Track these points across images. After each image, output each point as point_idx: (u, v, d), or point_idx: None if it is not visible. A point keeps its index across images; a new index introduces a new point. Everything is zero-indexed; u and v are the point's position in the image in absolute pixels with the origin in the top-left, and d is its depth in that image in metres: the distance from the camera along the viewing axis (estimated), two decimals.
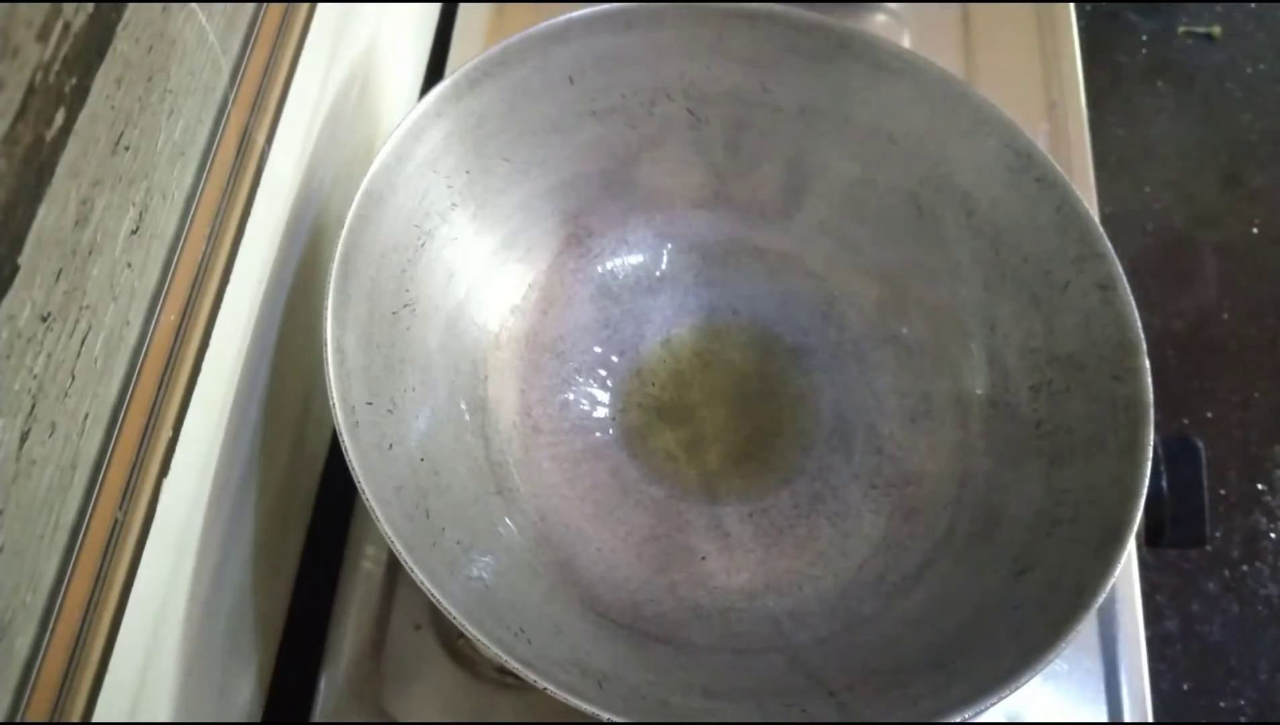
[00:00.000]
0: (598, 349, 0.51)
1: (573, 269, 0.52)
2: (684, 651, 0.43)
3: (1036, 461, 0.45)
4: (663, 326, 0.51)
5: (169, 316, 0.34)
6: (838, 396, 0.51)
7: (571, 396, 0.50)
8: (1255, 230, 0.82)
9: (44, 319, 0.28)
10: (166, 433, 0.35)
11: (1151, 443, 0.41)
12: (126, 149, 0.31)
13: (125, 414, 0.32)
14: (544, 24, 0.47)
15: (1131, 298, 0.44)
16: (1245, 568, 0.64)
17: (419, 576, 0.35)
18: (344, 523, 0.50)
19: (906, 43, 0.65)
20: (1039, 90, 0.64)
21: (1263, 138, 0.85)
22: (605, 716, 0.34)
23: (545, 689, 0.34)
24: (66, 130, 0.28)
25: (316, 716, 0.46)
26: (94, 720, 0.31)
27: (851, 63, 0.49)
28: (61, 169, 0.28)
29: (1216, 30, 0.89)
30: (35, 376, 0.27)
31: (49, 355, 0.28)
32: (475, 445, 0.46)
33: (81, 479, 0.30)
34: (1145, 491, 0.40)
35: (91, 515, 0.31)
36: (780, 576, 0.46)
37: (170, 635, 0.37)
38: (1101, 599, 0.38)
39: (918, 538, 0.46)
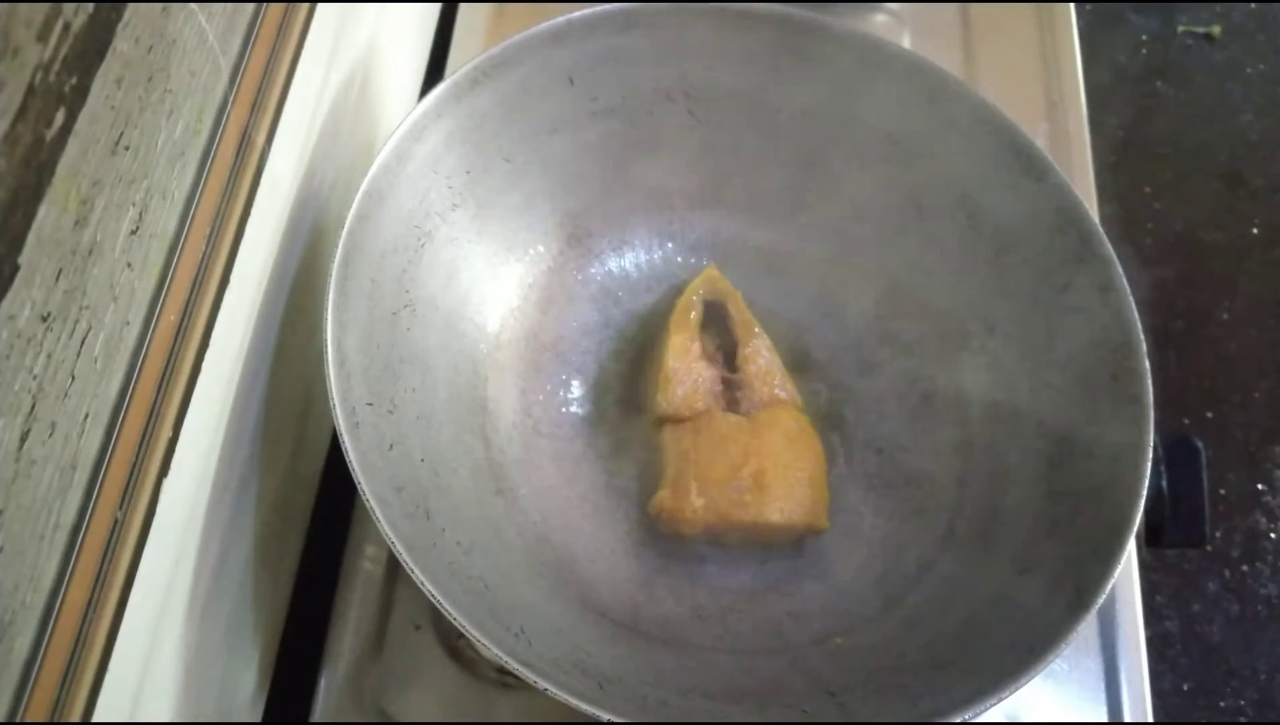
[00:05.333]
0: (598, 349, 0.51)
1: (573, 269, 0.52)
2: (684, 652, 0.43)
3: (1036, 461, 0.45)
4: (663, 327, 0.51)
5: (169, 316, 0.34)
6: (838, 397, 0.51)
7: (572, 397, 0.50)
8: (1255, 230, 0.82)
9: (44, 319, 0.28)
10: (166, 433, 0.35)
11: (1151, 443, 0.41)
12: (126, 149, 0.31)
13: (125, 414, 0.32)
14: (544, 24, 0.47)
15: (1131, 298, 0.44)
16: (1245, 568, 0.64)
17: (419, 577, 0.35)
18: (344, 523, 0.50)
19: (906, 43, 0.65)
20: (1039, 90, 0.64)
21: (1263, 138, 0.85)
22: (605, 717, 0.34)
23: (545, 690, 0.34)
24: (66, 130, 0.28)
25: (316, 716, 0.46)
26: (94, 720, 0.31)
27: (851, 63, 0.49)
28: (61, 169, 0.28)
29: (1216, 30, 0.89)
30: (35, 376, 0.27)
31: (49, 355, 0.28)
32: (475, 445, 0.46)
33: (81, 479, 0.30)
34: (1145, 491, 0.40)
35: (91, 515, 0.31)
36: (780, 577, 0.46)
37: (170, 635, 0.37)
38: (1101, 599, 0.38)
39: (918, 538, 0.46)
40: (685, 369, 0.48)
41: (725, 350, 0.50)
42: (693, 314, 0.49)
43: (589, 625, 0.43)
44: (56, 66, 0.27)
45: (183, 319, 0.35)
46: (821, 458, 0.47)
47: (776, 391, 0.48)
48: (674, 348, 0.48)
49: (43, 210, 0.27)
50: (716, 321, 0.50)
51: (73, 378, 0.29)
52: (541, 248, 0.51)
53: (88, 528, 0.30)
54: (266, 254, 0.42)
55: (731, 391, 0.48)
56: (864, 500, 0.48)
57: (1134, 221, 0.81)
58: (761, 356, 0.49)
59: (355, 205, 0.42)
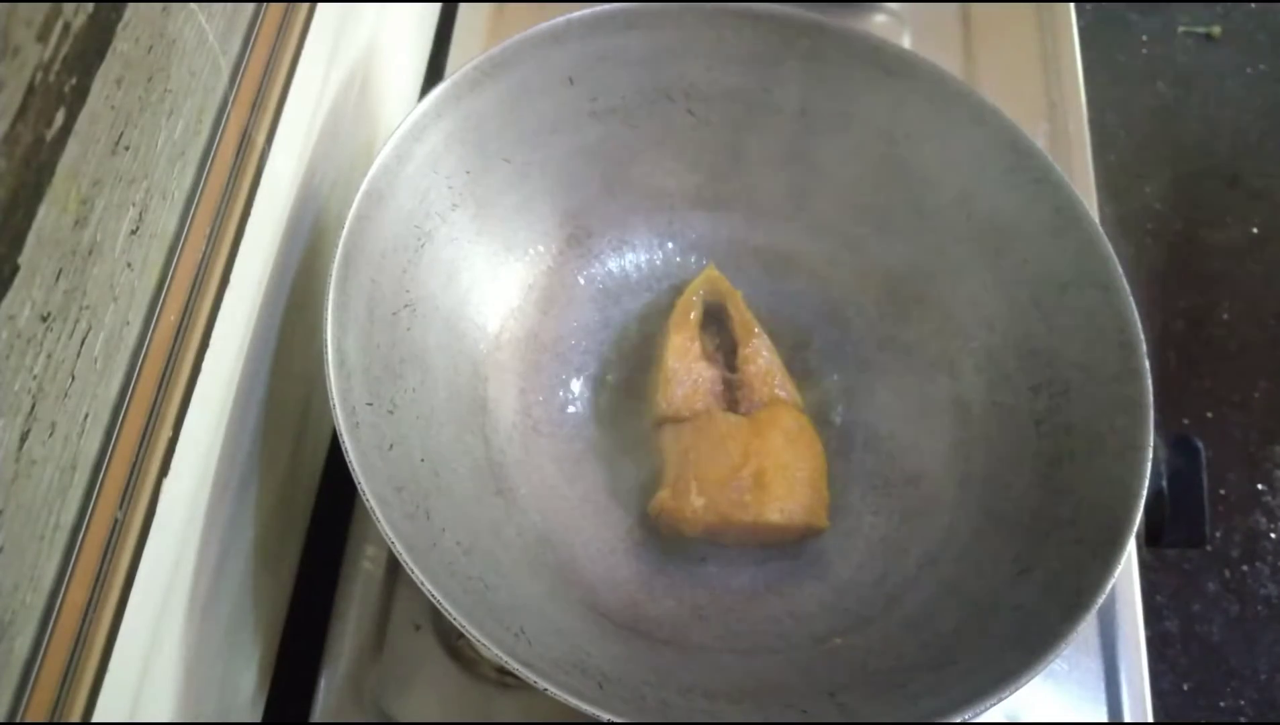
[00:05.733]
0: (598, 349, 0.51)
1: (573, 269, 0.52)
2: (684, 652, 0.43)
3: (1036, 461, 0.45)
4: (663, 327, 0.51)
5: (169, 316, 0.34)
6: (838, 397, 0.51)
7: (571, 397, 0.50)
8: (1255, 230, 0.82)
9: (44, 319, 0.28)
10: (166, 433, 0.35)
11: (1151, 443, 0.41)
12: (126, 149, 0.31)
13: (125, 414, 0.32)
14: (544, 24, 0.47)
15: (1131, 298, 0.44)
16: (1245, 568, 0.64)
17: (419, 577, 0.35)
18: (344, 523, 0.50)
19: (906, 43, 0.65)
20: (1039, 90, 0.64)
21: (1263, 138, 0.85)
22: (605, 717, 0.34)
23: (545, 690, 0.34)
24: (66, 130, 0.28)
25: (316, 716, 0.46)
26: (94, 720, 0.31)
27: (851, 63, 0.49)
28: (61, 169, 0.28)
29: (1216, 30, 0.89)
30: (35, 376, 0.27)
31: (49, 355, 0.28)
32: (475, 445, 0.46)
33: (81, 479, 0.30)
34: (1145, 491, 0.40)
35: (91, 515, 0.31)
36: (780, 577, 0.46)
37: (170, 635, 0.37)
38: (1101, 599, 0.38)
39: (918, 538, 0.46)
40: (685, 369, 0.48)
41: (725, 350, 0.50)
42: (692, 314, 0.49)
43: (589, 625, 0.43)
44: (56, 66, 0.27)
45: (183, 319, 0.35)
46: (821, 457, 0.47)
47: (776, 391, 0.48)
48: (674, 348, 0.48)
49: (43, 210, 0.27)
50: (716, 321, 0.50)
51: (73, 378, 0.29)
52: (541, 248, 0.51)
53: (88, 528, 0.30)
54: (266, 254, 0.42)
55: (731, 391, 0.48)
56: (864, 500, 0.48)
57: (1134, 221, 0.81)
58: (761, 356, 0.49)
59: (355, 205, 0.42)
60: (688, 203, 0.53)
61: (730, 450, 0.45)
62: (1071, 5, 0.66)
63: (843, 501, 0.48)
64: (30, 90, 0.26)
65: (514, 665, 0.35)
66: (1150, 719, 0.48)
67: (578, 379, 0.50)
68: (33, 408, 0.27)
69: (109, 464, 0.31)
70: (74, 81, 0.28)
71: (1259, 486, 0.68)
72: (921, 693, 0.39)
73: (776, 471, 0.45)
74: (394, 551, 0.36)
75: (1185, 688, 0.58)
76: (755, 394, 0.48)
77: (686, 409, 0.47)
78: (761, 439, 0.46)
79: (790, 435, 0.46)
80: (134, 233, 0.32)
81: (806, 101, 0.50)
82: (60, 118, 0.28)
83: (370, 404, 0.40)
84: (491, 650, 0.35)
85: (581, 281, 0.52)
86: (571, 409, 0.50)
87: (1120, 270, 0.44)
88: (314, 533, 0.52)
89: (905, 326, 0.51)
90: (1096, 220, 0.46)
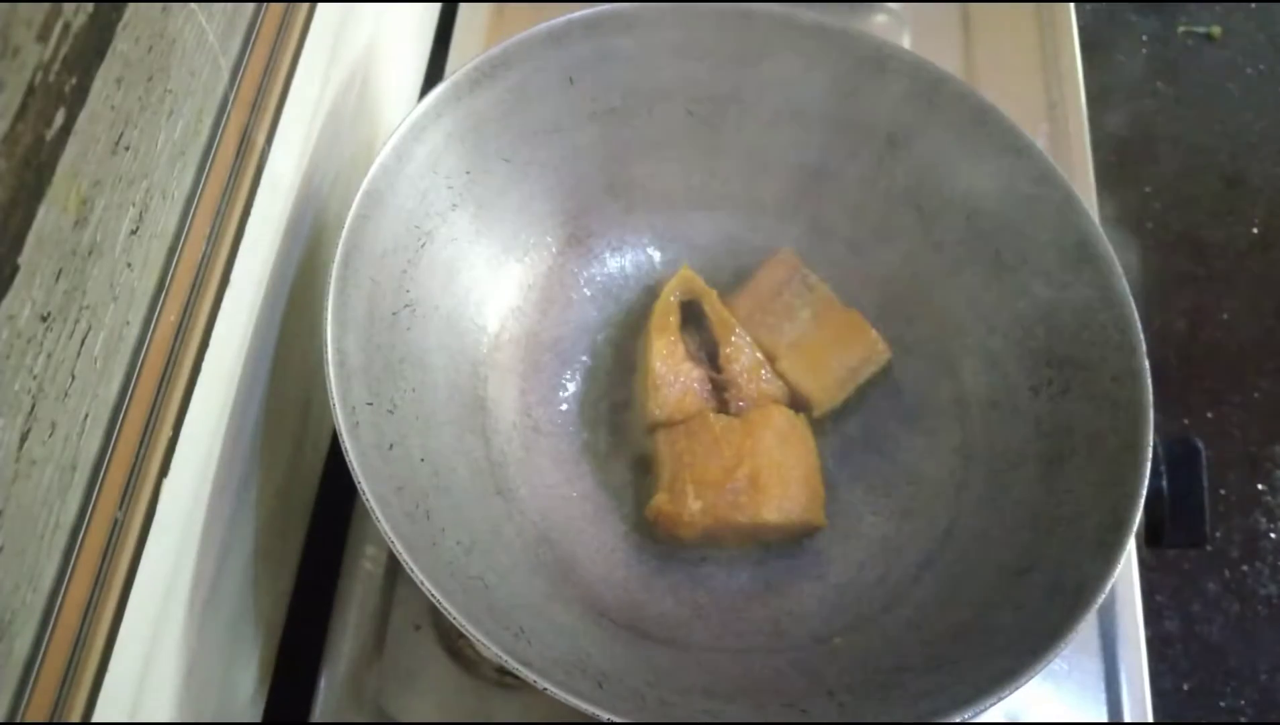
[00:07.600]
0: (598, 349, 0.51)
1: (573, 269, 0.52)
2: (684, 651, 0.43)
3: (1036, 461, 0.45)
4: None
5: (169, 316, 0.34)
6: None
7: (571, 396, 0.50)
8: (1255, 230, 0.82)
9: (44, 319, 0.28)
10: (166, 433, 0.35)
11: (1151, 443, 0.41)
12: (126, 149, 0.31)
13: (125, 414, 0.32)
14: (544, 24, 0.47)
15: (1131, 298, 0.44)
16: (1245, 568, 0.64)
17: (419, 577, 0.35)
18: (344, 523, 0.50)
19: (906, 43, 0.65)
20: (1039, 90, 0.64)
21: (1263, 138, 0.85)
22: (605, 716, 0.34)
23: (545, 689, 0.34)
24: (66, 130, 0.28)
25: (316, 716, 0.46)
26: (94, 720, 0.31)
27: (851, 63, 0.49)
28: (61, 169, 0.28)
29: (1216, 30, 0.89)
30: (35, 376, 0.27)
31: (49, 355, 0.28)
32: (475, 445, 0.46)
33: (81, 479, 0.30)
34: (1145, 491, 0.40)
35: (91, 515, 0.31)
36: (780, 577, 0.46)
37: (170, 635, 0.37)
38: (1101, 599, 0.38)
39: (918, 538, 0.46)
40: (672, 372, 0.47)
41: (708, 349, 0.50)
42: (671, 317, 0.49)
43: (589, 624, 0.43)
44: (56, 66, 0.27)
45: (183, 319, 0.35)
46: (815, 454, 0.47)
47: (764, 386, 0.48)
48: (658, 351, 0.48)
49: (43, 210, 0.27)
50: (695, 322, 0.50)
51: (73, 378, 0.29)
52: (541, 248, 0.51)
53: (88, 528, 0.30)
54: (266, 254, 0.42)
55: (720, 391, 0.48)
56: (863, 500, 0.48)
57: (1134, 221, 0.81)
58: (744, 354, 0.49)
59: (355, 205, 0.42)
60: (688, 203, 0.53)
61: (724, 452, 0.45)
62: (1071, 5, 0.66)
63: (842, 501, 0.48)
64: (30, 90, 0.26)
65: (514, 665, 0.35)
66: (1150, 719, 0.48)
67: (577, 379, 0.50)
68: (33, 408, 0.27)
69: (109, 464, 0.31)
70: (74, 81, 0.28)
71: (1259, 486, 0.68)
72: (921, 693, 0.39)
73: (771, 471, 0.45)
74: (394, 551, 0.36)
75: (1185, 688, 0.58)
76: (743, 392, 0.48)
77: (679, 412, 0.47)
78: (755, 439, 0.46)
79: (783, 434, 0.46)
80: (134, 233, 0.32)
81: (806, 102, 0.50)
82: (60, 118, 0.28)
83: (370, 404, 0.40)
84: (491, 650, 0.35)
85: (581, 281, 0.52)
86: (571, 408, 0.50)
87: (1120, 270, 0.44)
88: (314, 533, 0.52)
89: (905, 327, 0.51)
90: (1096, 220, 0.46)
